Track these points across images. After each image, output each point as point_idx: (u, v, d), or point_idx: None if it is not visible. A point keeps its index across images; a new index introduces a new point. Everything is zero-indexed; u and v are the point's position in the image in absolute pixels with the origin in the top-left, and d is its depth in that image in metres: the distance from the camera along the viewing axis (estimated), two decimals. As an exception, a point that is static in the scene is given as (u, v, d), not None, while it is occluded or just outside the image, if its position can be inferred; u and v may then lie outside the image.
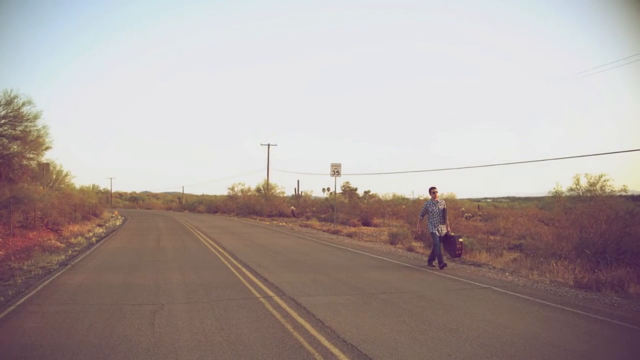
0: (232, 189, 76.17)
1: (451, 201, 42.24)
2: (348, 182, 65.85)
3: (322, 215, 51.86)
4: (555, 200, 35.78)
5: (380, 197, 55.60)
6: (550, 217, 26.41)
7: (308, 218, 51.97)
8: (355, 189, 64.06)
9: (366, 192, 60.30)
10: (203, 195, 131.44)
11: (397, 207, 51.27)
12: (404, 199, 56.75)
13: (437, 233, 15.61)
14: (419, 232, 19.26)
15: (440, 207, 15.86)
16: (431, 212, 15.86)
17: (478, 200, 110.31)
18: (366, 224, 43.20)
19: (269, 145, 70.69)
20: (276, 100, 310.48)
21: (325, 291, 11.54)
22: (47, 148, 29.32)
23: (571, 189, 35.94)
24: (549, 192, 38.50)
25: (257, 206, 62.91)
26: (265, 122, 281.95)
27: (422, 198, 39.64)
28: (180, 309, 9.57)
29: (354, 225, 39.95)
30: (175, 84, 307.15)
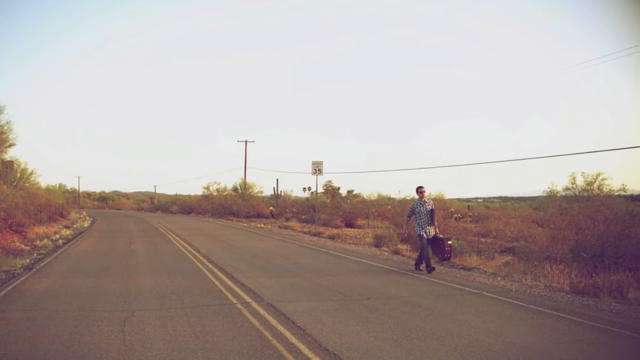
0: (207, 188, 76.03)
1: (440, 201, 42.28)
2: (330, 181, 65.79)
3: (303, 216, 51.85)
4: (550, 200, 36.03)
5: (365, 197, 55.77)
6: (545, 218, 26.53)
7: (288, 219, 51.90)
8: (338, 189, 64.02)
9: (349, 192, 60.22)
10: (176, 195, 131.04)
11: (383, 208, 51.37)
12: (389, 198, 56.87)
13: (424, 235, 15.56)
14: (406, 234, 19.25)
15: (428, 207, 15.77)
16: (418, 212, 15.78)
17: (468, 200, 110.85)
18: (349, 225, 43.24)
19: (246, 142, 70.43)
20: (254, 96, 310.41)
21: (306, 297, 11.54)
22: (10, 145, 29.11)
23: (567, 189, 36.18)
24: (544, 191, 38.75)
25: (234, 206, 62.79)
26: (242, 118, 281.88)
27: (408, 198, 39.64)
28: (152, 315, 9.53)
29: (337, 227, 39.98)
30: (146, 79, 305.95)
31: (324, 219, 43.84)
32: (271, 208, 61.50)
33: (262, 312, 9.86)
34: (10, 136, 28.40)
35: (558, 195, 36.23)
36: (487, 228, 32.49)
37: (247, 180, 69.89)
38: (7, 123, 27.58)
